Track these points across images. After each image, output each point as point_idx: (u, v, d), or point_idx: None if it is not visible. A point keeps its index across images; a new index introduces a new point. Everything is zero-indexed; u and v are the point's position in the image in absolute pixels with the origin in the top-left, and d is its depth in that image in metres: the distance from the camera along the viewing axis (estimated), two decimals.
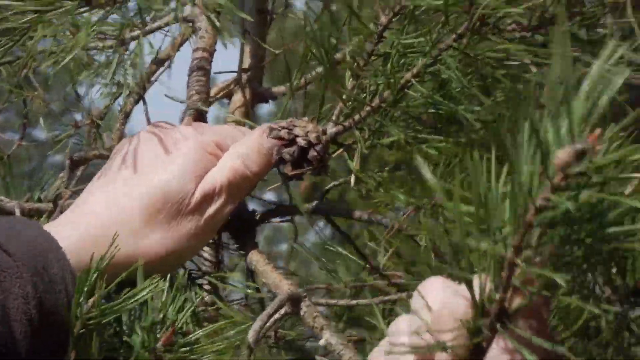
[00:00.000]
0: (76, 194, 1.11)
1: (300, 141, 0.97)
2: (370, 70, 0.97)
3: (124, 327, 0.86)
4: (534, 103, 0.56)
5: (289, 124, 0.98)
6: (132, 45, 1.04)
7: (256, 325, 0.81)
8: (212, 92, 1.22)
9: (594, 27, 0.93)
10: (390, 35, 0.94)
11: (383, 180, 0.96)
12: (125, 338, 0.85)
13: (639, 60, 1.03)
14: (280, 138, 0.97)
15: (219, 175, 0.96)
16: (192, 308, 0.89)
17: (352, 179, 0.97)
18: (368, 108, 0.96)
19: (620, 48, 0.58)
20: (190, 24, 1.21)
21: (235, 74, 1.22)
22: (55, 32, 0.98)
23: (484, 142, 0.90)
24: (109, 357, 0.85)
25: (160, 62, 1.26)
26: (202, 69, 1.16)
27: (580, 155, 0.54)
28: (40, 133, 1.38)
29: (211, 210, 0.95)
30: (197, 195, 0.94)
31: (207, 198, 0.95)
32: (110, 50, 1.04)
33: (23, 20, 1.00)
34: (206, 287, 1.02)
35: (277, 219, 1.09)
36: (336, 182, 1.02)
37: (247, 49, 1.21)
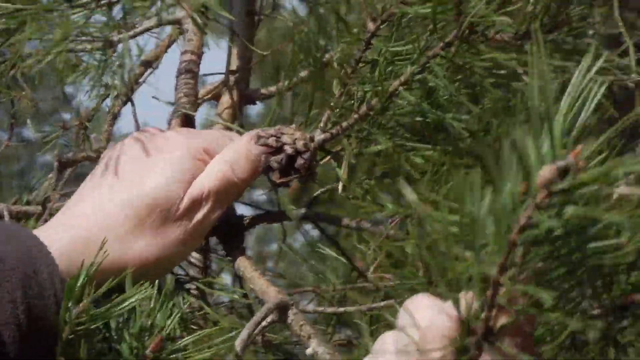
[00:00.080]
0: (65, 196, 1.11)
1: (288, 149, 0.97)
2: (357, 77, 0.96)
3: (113, 333, 0.86)
4: (520, 116, 0.56)
5: (276, 132, 0.98)
6: (120, 47, 1.04)
7: (244, 334, 0.81)
8: (201, 93, 1.21)
9: (581, 36, 0.93)
10: (378, 43, 0.94)
11: (370, 188, 0.96)
12: (113, 344, 0.85)
13: (626, 62, 1.03)
14: (268, 145, 0.98)
15: (207, 181, 0.96)
16: (180, 314, 0.90)
17: (340, 186, 0.97)
18: (356, 115, 0.96)
19: (600, 58, 0.58)
20: (178, 25, 1.20)
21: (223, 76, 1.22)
22: (42, 34, 0.98)
23: (471, 151, 0.90)
24: None
25: (147, 63, 1.26)
26: (190, 71, 1.16)
27: (563, 173, 0.54)
28: (29, 132, 1.38)
29: (199, 216, 0.95)
30: (186, 201, 0.94)
31: (196, 204, 0.95)
32: (99, 52, 1.03)
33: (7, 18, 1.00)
34: (194, 292, 1.02)
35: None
36: (323, 189, 1.02)
37: (235, 50, 1.21)
